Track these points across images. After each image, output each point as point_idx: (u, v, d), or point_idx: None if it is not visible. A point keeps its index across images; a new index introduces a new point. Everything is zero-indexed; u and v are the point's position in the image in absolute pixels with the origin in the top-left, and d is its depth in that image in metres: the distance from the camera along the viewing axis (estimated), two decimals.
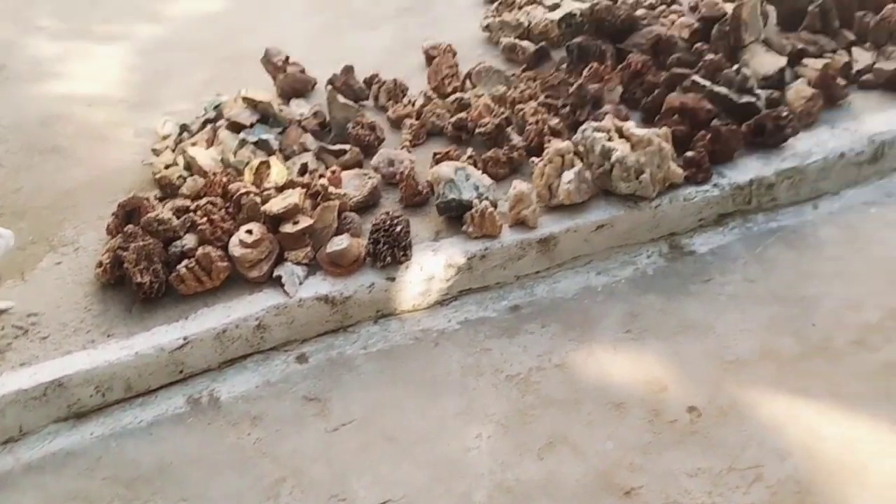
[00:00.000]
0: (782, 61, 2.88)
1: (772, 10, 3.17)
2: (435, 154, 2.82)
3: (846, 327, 2.18)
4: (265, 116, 3.05)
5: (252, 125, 3.01)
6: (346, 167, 2.84)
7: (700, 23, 3.16)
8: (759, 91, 2.76)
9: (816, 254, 2.45)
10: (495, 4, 3.74)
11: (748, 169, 2.62)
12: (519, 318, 2.38)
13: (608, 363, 2.18)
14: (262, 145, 2.93)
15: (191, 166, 2.87)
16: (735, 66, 2.81)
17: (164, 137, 3.10)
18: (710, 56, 2.93)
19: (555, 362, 2.21)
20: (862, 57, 2.91)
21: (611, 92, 2.96)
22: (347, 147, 2.91)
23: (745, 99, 2.73)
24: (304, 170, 2.83)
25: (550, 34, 3.42)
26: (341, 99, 3.07)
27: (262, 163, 2.75)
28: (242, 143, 2.93)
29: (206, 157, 2.89)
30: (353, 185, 2.75)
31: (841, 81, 2.79)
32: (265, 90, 3.30)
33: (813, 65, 2.87)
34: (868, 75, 2.83)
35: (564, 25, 3.40)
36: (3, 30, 4.35)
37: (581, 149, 2.59)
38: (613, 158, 2.50)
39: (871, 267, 2.36)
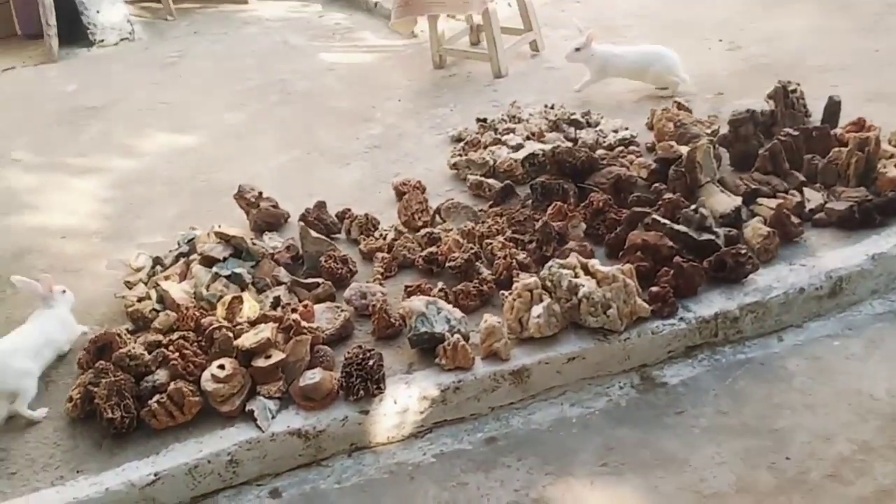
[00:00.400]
0: (738, 200, 3.03)
1: (724, 153, 3.37)
2: (406, 287, 2.86)
3: (820, 460, 2.20)
4: (238, 250, 3.09)
5: (225, 259, 3.04)
6: (318, 300, 2.86)
7: (657, 163, 3.33)
8: (717, 229, 2.88)
9: (786, 386, 2.50)
10: (461, 144, 3.90)
11: (712, 303, 2.70)
12: (495, 450, 2.37)
13: (586, 498, 2.16)
14: (234, 279, 2.95)
15: (163, 300, 2.87)
16: (693, 206, 2.94)
17: (137, 270, 3.11)
18: (668, 195, 3.08)
19: (532, 497, 2.19)
20: (813, 196, 3.08)
21: (574, 228, 3.07)
22: (320, 280, 2.95)
23: (705, 236, 2.84)
24: (276, 303, 2.84)
25: (515, 172, 3.56)
26: (314, 233, 3.13)
27: (234, 297, 2.77)
28: (215, 276, 2.95)
29: (178, 290, 2.90)
30: (326, 318, 2.77)
31: (795, 220, 2.93)
32: (238, 224, 3.37)
33: (767, 204, 3.02)
34: (820, 214, 2.98)
35: (528, 164, 3.55)
36: None
37: (549, 284, 2.67)
38: (580, 294, 2.57)
39: (839, 399, 2.41)
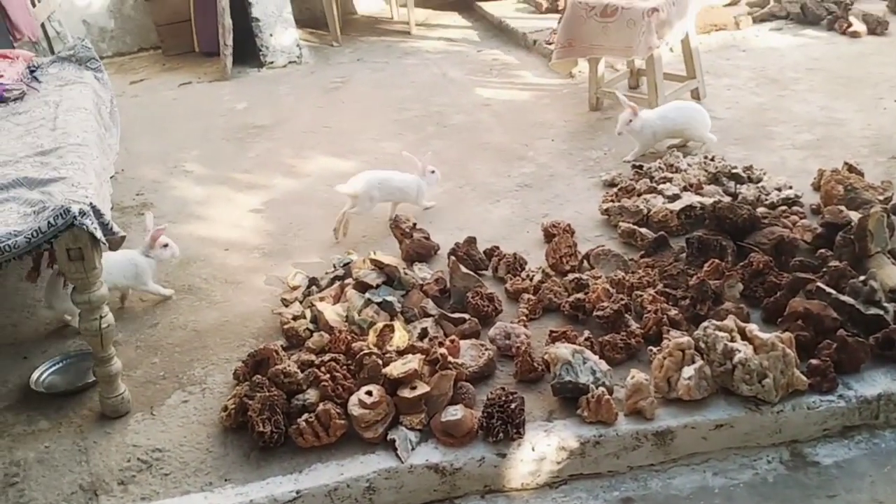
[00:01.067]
0: None
1: None
2: (551, 332, 2.86)
3: None
4: (391, 278, 3.19)
5: (378, 286, 3.13)
6: (464, 336, 2.90)
7: (823, 228, 3.19)
8: (886, 304, 2.73)
9: None
10: (615, 189, 3.87)
11: (876, 383, 2.55)
12: None
13: None
14: (385, 306, 3.04)
15: (318, 320, 2.99)
16: (862, 277, 2.79)
17: (294, 288, 3.25)
18: (833, 263, 2.94)
19: None
20: None
21: (731, 288, 2.97)
22: (467, 316, 2.99)
23: (873, 311, 2.70)
24: (424, 334, 2.91)
25: (670, 223, 3.49)
26: (463, 269, 3.18)
27: (385, 325, 2.85)
28: (367, 302, 3.05)
29: (332, 312, 3.01)
30: (470, 354, 2.80)
31: None
32: (391, 252, 3.47)
33: None
34: None
35: (684, 217, 3.48)
36: (153, 170, 4.73)
37: (702, 345, 2.59)
38: (736, 359, 2.48)
39: None
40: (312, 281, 3.29)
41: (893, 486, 2.33)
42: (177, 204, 4.29)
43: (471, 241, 3.45)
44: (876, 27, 5.58)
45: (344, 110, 5.58)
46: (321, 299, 3.10)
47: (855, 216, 3.14)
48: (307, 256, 3.63)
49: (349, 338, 2.86)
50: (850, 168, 3.64)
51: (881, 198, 3.40)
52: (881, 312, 2.70)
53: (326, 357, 2.76)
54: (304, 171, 4.60)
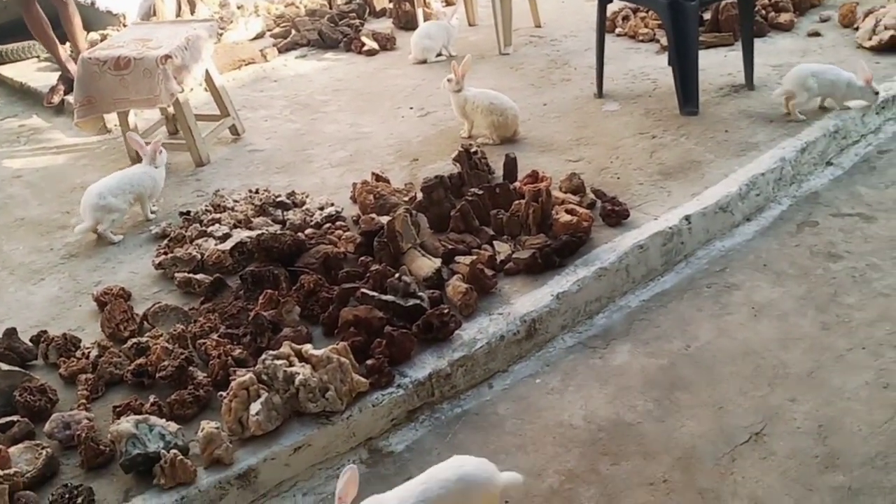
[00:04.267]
0: (437, 262, 3.21)
1: (422, 218, 3.56)
2: (114, 407, 2.70)
3: (534, 497, 2.37)
4: None
5: None
6: (14, 441, 2.60)
7: (362, 237, 3.45)
8: (421, 293, 3.03)
9: (500, 431, 2.67)
10: (165, 241, 3.77)
11: (426, 365, 2.83)
12: None
13: None
14: None
15: None
16: (397, 274, 3.07)
17: None
18: (375, 267, 3.19)
19: None
20: (502, 248, 3.34)
21: (289, 313, 3.07)
22: (16, 418, 2.68)
23: (412, 302, 2.98)
24: None
25: (224, 263, 3.50)
26: (3, 366, 2.85)
27: None
28: None
29: None
30: (25, 459, 2.53)
31: (489, 272, 3.17)
32: None
33: (464, 261, 3.23)
34: (510, 264, 3.24)
35: (237, 254, 3.50)
36: None
37: (265, 377, 2.64)
38: (297, 382, 2.58)
39: (545, 434, 2.63)
40: None
41: (455, 451, 2.56)
42: None
43: (10, 332, 3.10)
44: (386, 43, 6.19)
45: None
46: None
47: (386, 220, 3.44)
48: None
49: None
50: (378, 177, 3.98)
51: (406, 199, 3.77)
52: (418, 301, 3.00)
53: None
54: None
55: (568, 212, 3.40)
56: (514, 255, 3.27)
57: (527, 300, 3.07)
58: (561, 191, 3.64)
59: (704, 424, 2.58)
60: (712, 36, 5.21)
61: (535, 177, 3.71)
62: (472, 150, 3.91)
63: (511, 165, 3.85)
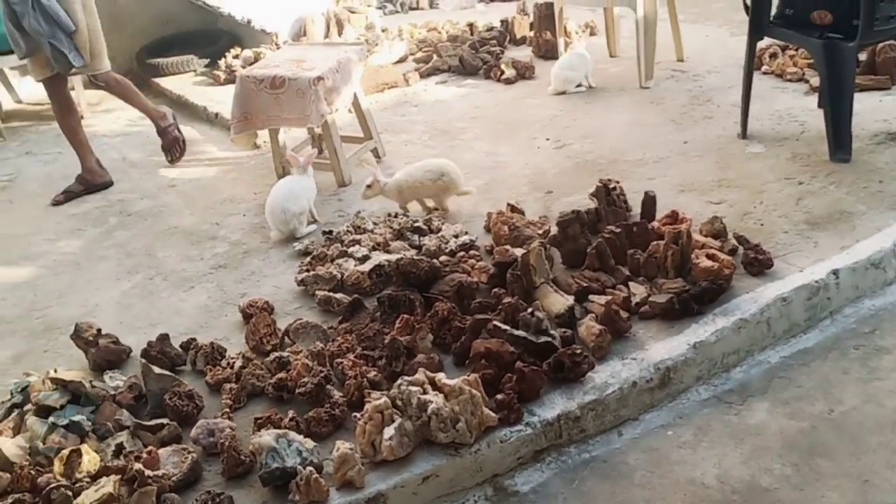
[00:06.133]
0: (570, 300, 3.20)
1: (556, 253, 3.56)
2: (255, 419, 2.83)
3: None
4: (76, 395, 2.96)
5: (62, 406, 2.90)
6: (163, 444, 2.77)
7: (496, 268, 3.48)
8: (552, 331, 3.03)
9: (628, 482, 2.63)
10: (308, 259, 3.93)
11: (555, 405, 2.82)
12: None
13: None
14: (73, 428, 2.82)
15: None
16: (529, 309, 3.08)
17: None
18: (507, 299, 3.22)
19: None
20: (638, 290, 3.29)
21: (422, 340, 3.14)
22: (165, 421, 2.86)
23: (543, 339, 2.98)
24: (119, 451, 2.73)
25: (363, 285, 3.62)
26: (156, 369, 3.04)
27: (73, 450, 2.64)
28: (52, 427, 2.81)
29: (12, 447, 2.74)
30: (172, 462, 2.68)
31: (623, 314, 3.13)
32: (79, 363, 3.23)
33: (598, 301, 3.21)
34: (645, 307, 3.19)
35: (375, 276, 3.61)
36: None
37: (399, 402, 2.71)
38: (430, 410, 2.62)
39: (675, 490, 2.55)
40: None
41: (581, 499, 2.58)
42: None
43: (163, 337, 3.31)
44: (525, 72, 6.24)
45: (14, 212, 5.12)
46: None
47: (520, 252, 3.46)
48: None
49: (33, 473, 2.61)
50: (513, 208, 4.02)
51: (540, 232, 3.78)
52: (550, 339, 3.00)
53: (10, 500, 2.50)
54: None
55: (709, 257, 3.31)
56: (650, 299, 3.21)
57: (661, 347, 3.01)
58: (701, 234, 3.55)
59: (847, 497, 2.45)
60: (867, 78, 4.96)
61: (674, 217, 3.64)
62: (611, 185, 3.87)
63: (650, 204, 3.79)
